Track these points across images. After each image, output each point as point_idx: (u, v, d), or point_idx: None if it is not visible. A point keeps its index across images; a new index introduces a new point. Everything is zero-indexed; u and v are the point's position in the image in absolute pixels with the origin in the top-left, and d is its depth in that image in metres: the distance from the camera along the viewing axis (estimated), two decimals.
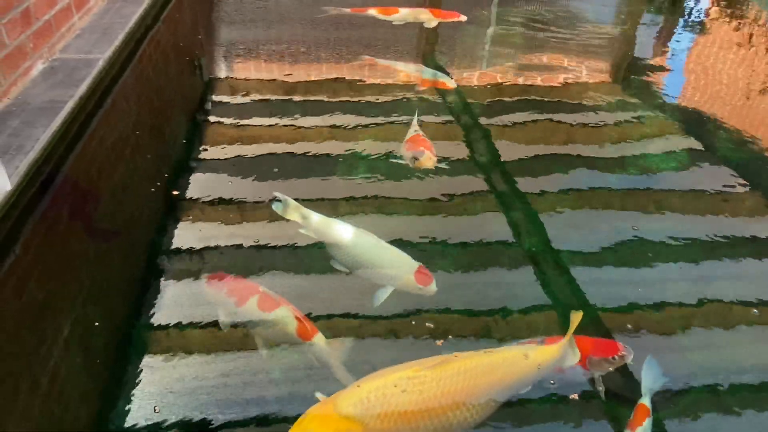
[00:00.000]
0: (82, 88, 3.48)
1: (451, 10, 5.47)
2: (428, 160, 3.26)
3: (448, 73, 3.98)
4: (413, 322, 2.38)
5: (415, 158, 3.25)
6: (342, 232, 2.68)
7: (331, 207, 2.96)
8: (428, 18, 5.35)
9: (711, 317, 2.50)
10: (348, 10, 5.43)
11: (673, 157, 3.56)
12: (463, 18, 5.42)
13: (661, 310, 2.50)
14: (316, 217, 2.76)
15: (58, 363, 2.17)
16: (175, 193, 3.07)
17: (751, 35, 5.46)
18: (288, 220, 2.79)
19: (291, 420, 1.78)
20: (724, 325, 2.46)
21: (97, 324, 2.35)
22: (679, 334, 2.41)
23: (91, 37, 4.09)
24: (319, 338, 2.19)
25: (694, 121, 4.04)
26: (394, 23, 5.33)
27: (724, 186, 3.31)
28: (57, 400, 2.08)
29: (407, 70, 4.24)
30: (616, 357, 2.12)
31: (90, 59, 3.79)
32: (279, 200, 2.82)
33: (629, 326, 2.42)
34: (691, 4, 6.37)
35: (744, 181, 3.34)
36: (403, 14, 5.38)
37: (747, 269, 2.78)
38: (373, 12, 5.39)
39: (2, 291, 2.37)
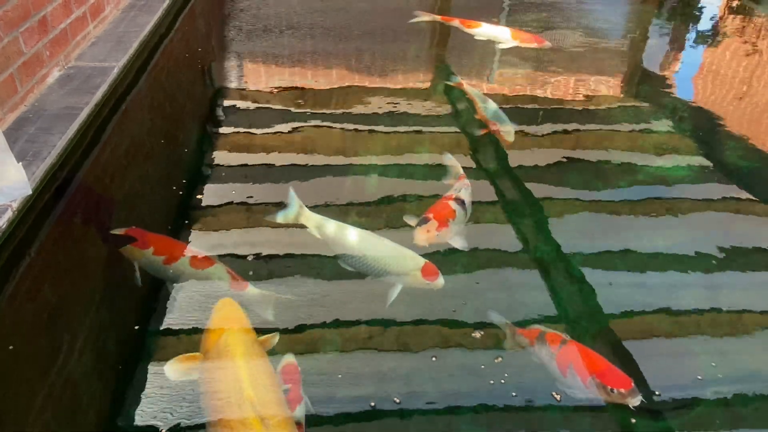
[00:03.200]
0: (98, 96, 3.53)
1: (536, 34, 5.14)
2: (422, 233, 2.65)
3: (511, 121, 3.82)
4: (422, 328, 2.39)
5: (416, 225, 2.77)
6: (348, 233, 2.73)
7: (341, 213, 2.98)
8: (507, 39, 5.05)
9: (722, 325, 2.49)
10: (439, 18, 5.42)
11: (683, 165, 3.55)
12: (547, 44, 5.01)
13: (671, 318, 2.50)
14: (323, 221, 2.79)
15: (70, 365, 2.19)
16: (188, 198, 3.11)
17: (762, 43, 5.44)
18: (297, 225, 2.81)
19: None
20: (736, 334, 2.45)
21: (109, 327, 2.38)
22: (689, 342, 2.40)
23: (106, 45, 4.15)
24: (251, 288, 2.46)
25: (704, 130, 4.04)
26: (475, 38, 5.20)
27: (735, 194, 3.30)
28: (68, 402, 2.10)
29: (480, 105, 3.94)
30: (614, 390, 2.01)
31: (105, 67, 3.85)
32: (285, 207, 2.84)
33: (639, 334, 2.42)
34: (702, 12, 6.37)
35: (754, 190, 3.33)
36: (484, 30, 5.19)
37: (757, 277, 2.77)
38: (457, 23, 5.33)
39: (17, 293, 2.40)
